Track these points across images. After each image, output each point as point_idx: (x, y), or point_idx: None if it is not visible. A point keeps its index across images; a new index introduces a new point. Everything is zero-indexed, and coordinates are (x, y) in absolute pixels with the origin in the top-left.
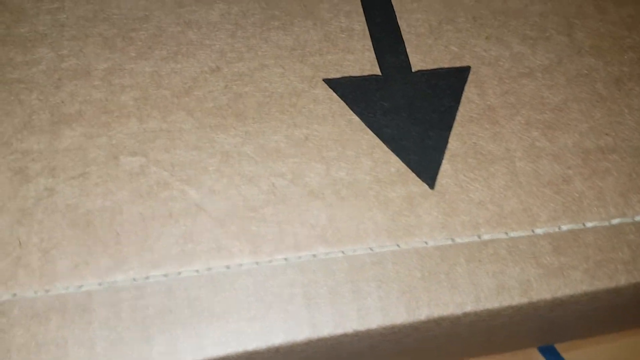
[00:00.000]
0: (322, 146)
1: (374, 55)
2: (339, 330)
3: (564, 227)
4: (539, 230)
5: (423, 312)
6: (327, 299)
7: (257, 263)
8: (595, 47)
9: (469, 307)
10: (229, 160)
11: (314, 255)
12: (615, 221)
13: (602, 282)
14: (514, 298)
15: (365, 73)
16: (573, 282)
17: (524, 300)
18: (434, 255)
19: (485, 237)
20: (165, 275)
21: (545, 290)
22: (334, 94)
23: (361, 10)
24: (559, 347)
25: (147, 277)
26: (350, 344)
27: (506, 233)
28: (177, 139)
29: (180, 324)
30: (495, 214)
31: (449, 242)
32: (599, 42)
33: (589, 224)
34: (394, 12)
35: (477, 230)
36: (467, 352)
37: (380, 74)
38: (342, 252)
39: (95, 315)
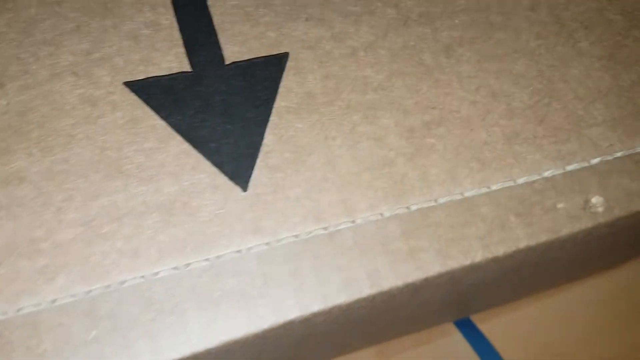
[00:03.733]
0: (121, 159)
1: (184, 51)
2: None
3: (387, 214)
4: (359, 221)
5: (267, 321)
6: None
7: (38, 304)
8: (424, 14)
9: (316, 307)
10: (7, 189)
11: (108, 287)
12: (442, 200)
13: (456, 261)
14: (363, 290)
15: (174, 71)
16: (425, 264)
17: (373, 290)
18: (277, 256)
19: (303, 236)
20: None
21: (394, 277)
22: (137, 98)
23: (169, 1)
24: (474, 318)
25: None
26: None
27: (325, 229)
28: None
29: None
30: (311, 210)
31: (265, 247)
32: (428, 8)
33: (414, 207)
34: (206, 1)
35: (293, 231)
36: (379, 337)
37: (190, 70)
38: (143, 276)
39: None
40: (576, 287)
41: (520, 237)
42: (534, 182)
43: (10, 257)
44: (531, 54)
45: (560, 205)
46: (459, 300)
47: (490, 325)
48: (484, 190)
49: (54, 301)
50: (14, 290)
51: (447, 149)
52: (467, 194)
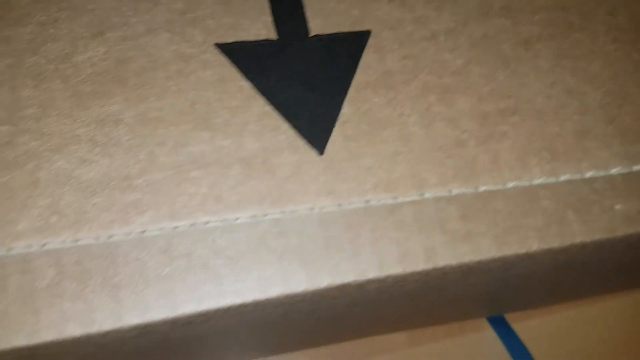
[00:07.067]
0: (209, 113)
1: (271, 19)
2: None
3: (455, 192)
4: (428, 195)
5: (324, 280)
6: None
7: (129, 234)
8: (505, 7)
9: (372, 274)
10: (104, 129)
11: (193, 225)
12: (510, 184)
13: (511, 248)
14: (418, 264)
15: (261, 38)
16: (480, 248)
17: (428, 266)
18: (339, 223)
19: (373, 203)
20: (29, 247)
21: (450, 256)
22: (226, 60)
23: None
24: (509, 317)
25: (9, 249)
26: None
27: (394, 198)
28: (50, 107)
29: None
30: (382, 180)
31: (335, 208)
32: (509, 2)
33: (482, 188)
34: None
35: (364, 196)
36: (413, 322)
37: (276, 38)
38: (224, 220)
39: None
40: (615, 298)
41: (576, 233)
42: (595, 180)
43: (105, 189)
44: (607, 57)
45: (618, 207)
46: (500, 292)
47: (524, 326)
48: (552, 180)
49: (142, 232)
50: (108, 219)
51: (520, 137)
52: (535, 182)
